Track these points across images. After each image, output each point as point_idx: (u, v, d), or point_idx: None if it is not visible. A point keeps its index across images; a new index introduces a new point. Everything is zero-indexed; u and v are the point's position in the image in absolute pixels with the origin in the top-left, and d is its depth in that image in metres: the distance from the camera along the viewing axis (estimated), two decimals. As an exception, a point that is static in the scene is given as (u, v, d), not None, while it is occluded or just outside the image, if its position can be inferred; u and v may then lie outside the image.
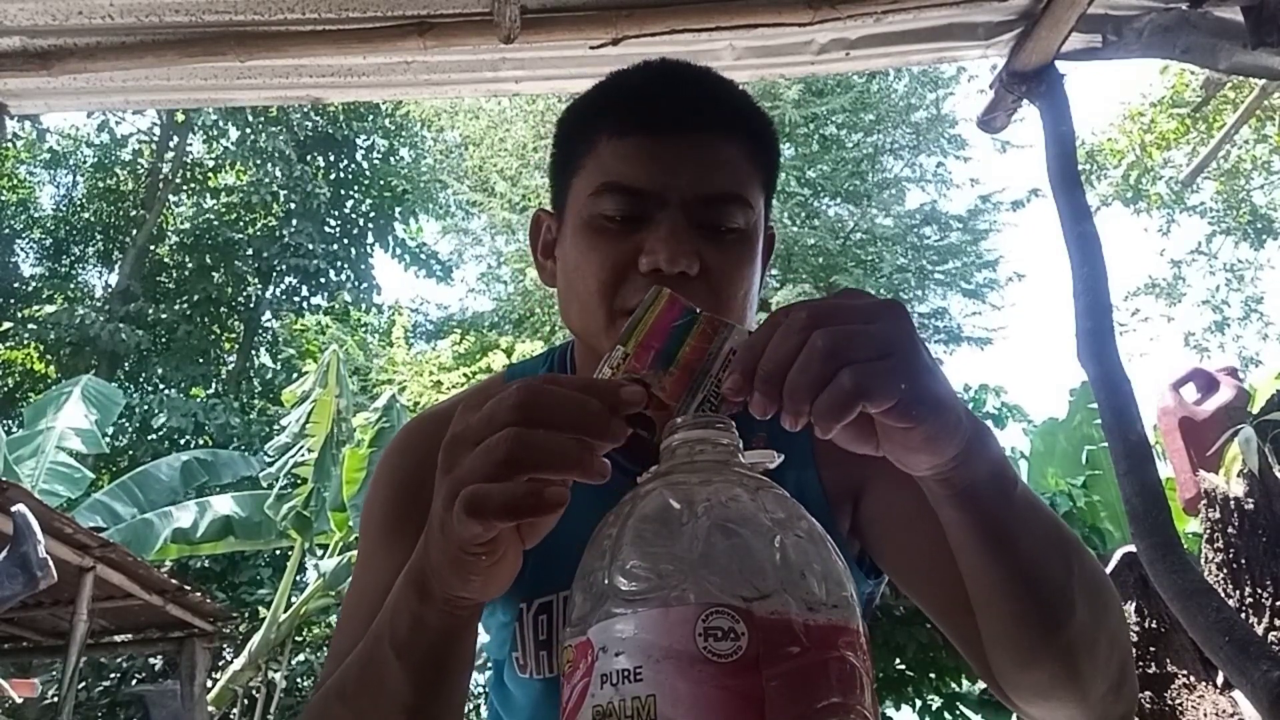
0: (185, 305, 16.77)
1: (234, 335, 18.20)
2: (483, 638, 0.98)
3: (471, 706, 15.15)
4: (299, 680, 12.38)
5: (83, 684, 10.58)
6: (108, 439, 11.22)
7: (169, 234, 18.33)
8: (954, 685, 8.43)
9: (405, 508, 0.90)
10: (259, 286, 17.81)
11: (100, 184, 18.70)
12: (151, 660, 12.07)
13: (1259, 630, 3.20)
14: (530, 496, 0.52)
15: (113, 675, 12.20)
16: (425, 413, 1.03)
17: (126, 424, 14.33)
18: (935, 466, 0.60)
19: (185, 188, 18.71)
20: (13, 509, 4.18)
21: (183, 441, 14.20)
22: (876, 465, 0.86)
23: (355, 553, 1.33)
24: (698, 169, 0.83)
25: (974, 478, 0.62)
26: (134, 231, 17.81)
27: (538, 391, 0.54)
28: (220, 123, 17.36)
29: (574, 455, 0.52)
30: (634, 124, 0.85)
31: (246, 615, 11.65)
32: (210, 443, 13.63)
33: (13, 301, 17.16)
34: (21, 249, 18.68)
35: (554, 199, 0.94)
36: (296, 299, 17.90)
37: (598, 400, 0.54)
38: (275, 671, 10.60)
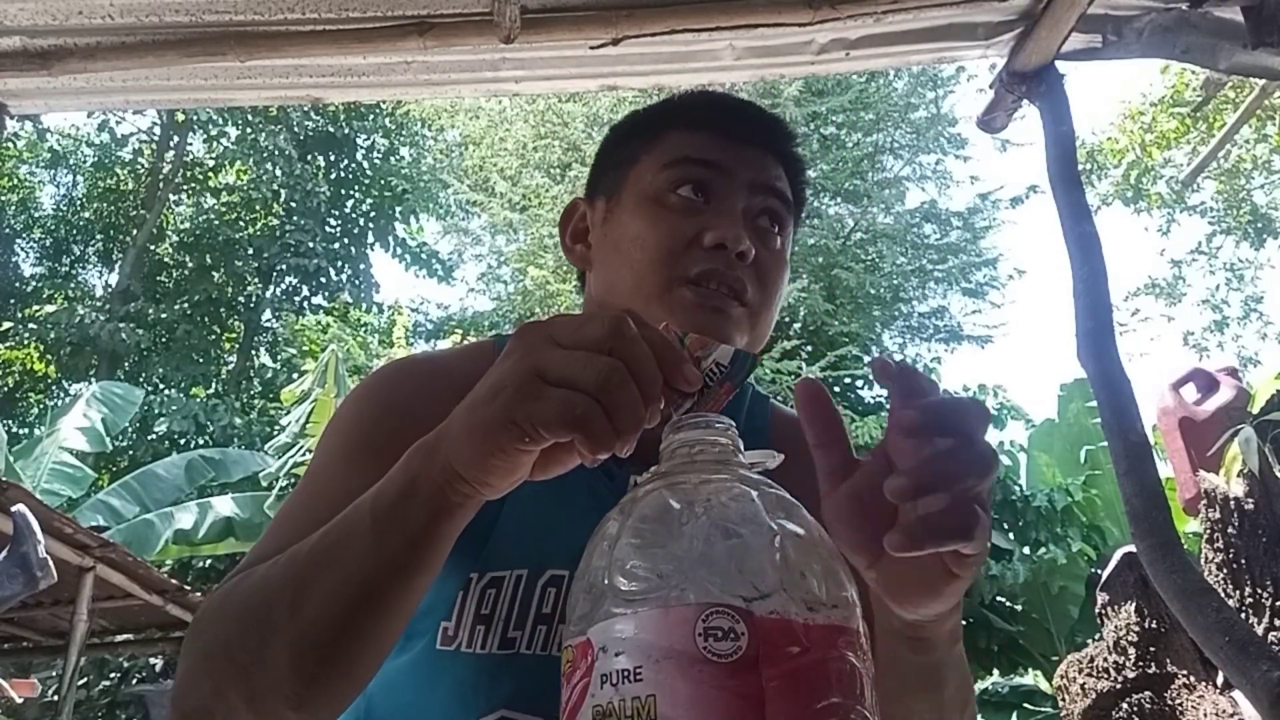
0: (185, 305, 16.76)
1: (234, 335, 18.20)
2: None
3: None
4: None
5: (83, 684, 10.58)
6: (111, 439, 11.23)
7: (169, 233, 18.33)
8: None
9: (386, 434, 0.84)
10: (259, 286, 17.82)
11: (100, 184, 18.70)
12: (151, 660, 12.07)
13: (1259, 630, 3.20)
14: (620, 423, 0.51)
15: (113, 675, 12.20)
16: (418, 358, 1.01)
17: (127, 424, 14.33)
18: (930, 615, 0.58)
19: (185, 187, 18.71)
20: (13, 509, 4.18)
21: (183, 441, 14.19)
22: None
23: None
24: (762, 165, 0.93)
25: (946, 628, 0.62)
26: (134, 231, 17.81)
27: (637, 340, 0.53)
28: (220, 122, 17.36)
29: (641, 415, 0.52)
30: (706, 120, 0.94)
31: (247, 615, 11.64)
32: (211, 442, 13.63)
33: (13, 301, 17.17)
34: (22, 249, 18.70)
35: (602, 187, 0.99)
36: (297, 299, 17.90)
37: (675, 368, 0.54)
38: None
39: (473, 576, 0.87)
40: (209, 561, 12.14)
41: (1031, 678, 11.30)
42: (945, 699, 0.68)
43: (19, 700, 7.39)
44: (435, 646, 0.86)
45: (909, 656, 0.64)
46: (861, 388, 12.69)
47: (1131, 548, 3.11)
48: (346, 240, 18.22)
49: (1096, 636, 3.87)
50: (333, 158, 18.23)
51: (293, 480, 8.95)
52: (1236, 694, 3.21)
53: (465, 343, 1.08)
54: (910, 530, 0.50)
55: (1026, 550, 9.81)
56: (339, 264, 18.02)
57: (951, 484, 0.50)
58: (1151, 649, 3.50)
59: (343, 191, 18.27)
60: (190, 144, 18.55)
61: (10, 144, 16.94)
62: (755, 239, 0.89)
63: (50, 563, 4.10)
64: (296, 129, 17.06)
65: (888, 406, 0.56)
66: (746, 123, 0.95)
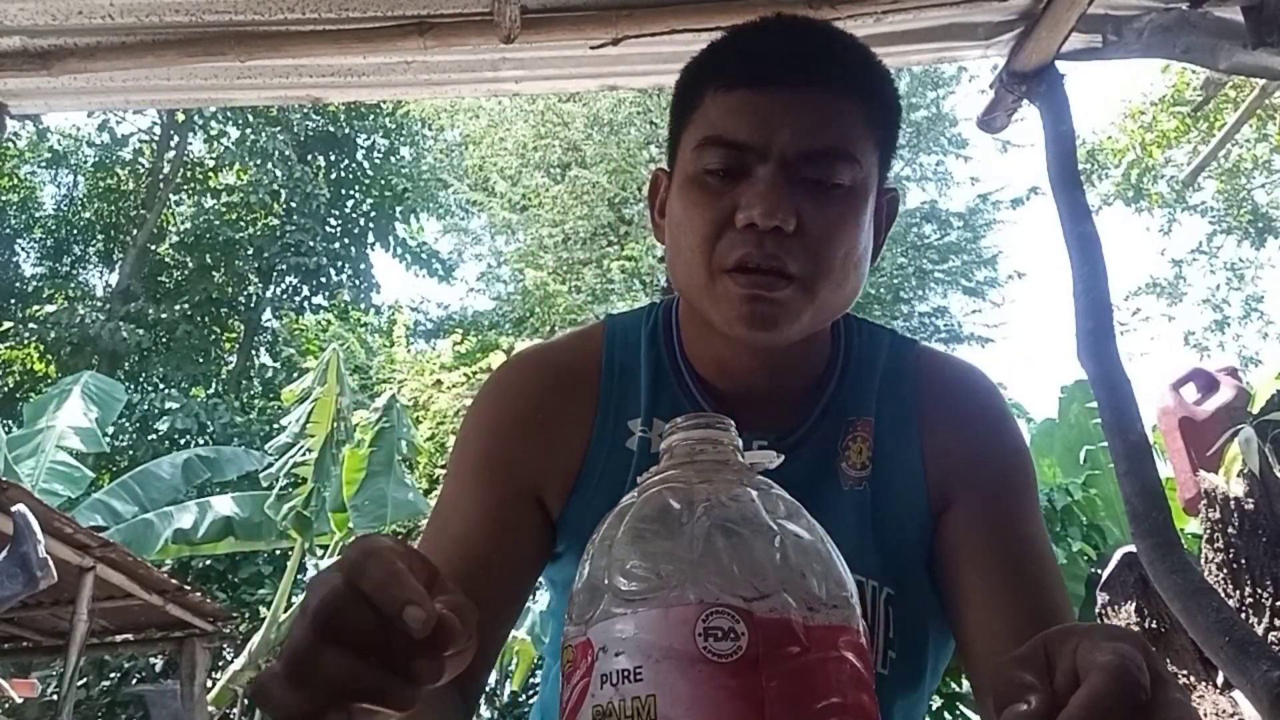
0: (186, 305, 16.75)
1: (234, 335, 18.20)
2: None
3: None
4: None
5: (83, 684, 10.58)
6: (108, 438, 11.21)
7: (169, 233, 18.32)
8: (954, 685, 8.43)
9: (493, 451, 0.92)
10: (259, 286, 17.81)
11: (101, 183, 18.69)
12: (151, 660, 12.07)
13: (1259, 630, 3.20)
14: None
15: (113, 675, 12.20)
16: (528, 356, 1.01)
17: (126, 423, 14.32)
18: None
19: (186, 187, 18.71)
20: (13, 509, 4.18)
21: (183, 441, 14.19)
22: (966, 486, 0.89)
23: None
24: (801, 123, 0.81)
25: None
26: (134, 231, 17.80)
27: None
28: (220, 122, 17.36)
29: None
30: (740, 78, 0.83)
31: (246, 615, 11.64)
32: (211, 442, 13.62)
33: (13, 301, 17.16)
34: (22, 249, 18.69)
35: (668, 157, 0.94)
36: (297, 298, 17.89)
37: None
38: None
39: None
40: (209, 561, 12.14)
41: (1032, 678, 11.27)
42: None
43: (19, 700, 7.40)
44: None
45: None
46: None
47: (1131, 548, 3.11)
48: (346, 240, 18.21)
49: (1096, 636, 3.86)
50: (333, 158, 18.23)
51: (293, 479, 8.95)
52: (1236, 694, 3.21)
53: (576, 329, 1.06)
54: None
55: (1027, 550, 9.78)
56: (339, 264, 18.02)
57: None
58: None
59: (343, 191, 18.27)
60: (190, 144, 18.55)
61: (10, 144, 16.94)
62: (804, 196, 0.80)
63: (50, 563, 4.10)
64: (296, 129, 17.05)
65: None
66: (787, 69, 0.83)
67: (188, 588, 7.26)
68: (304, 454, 8.87)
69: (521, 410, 0.93)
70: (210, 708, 8.83)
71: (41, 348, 16.08)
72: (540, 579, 0.97)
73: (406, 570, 0.48)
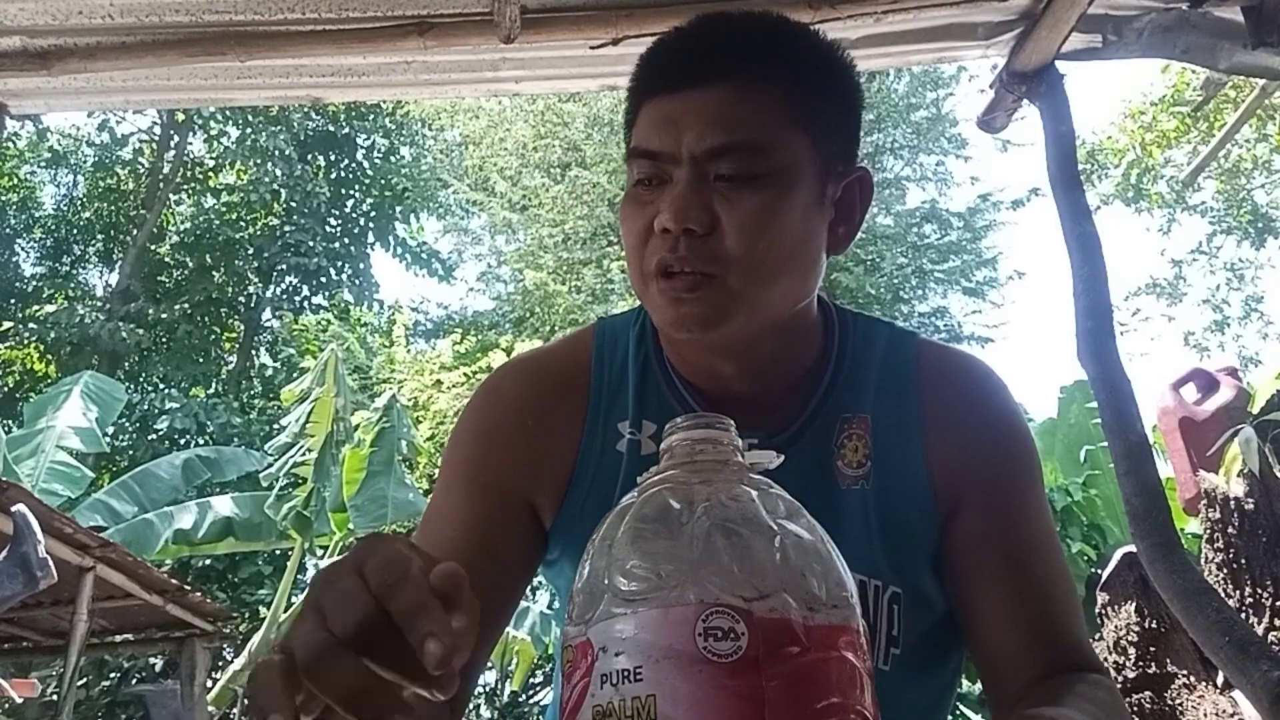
0: (186, 304, 16.75)
1: (234, 334, 18.20)
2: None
3: (471, 706, 15.14)
4: (299, 680, 12.35)
5: (83, 684, 10.58)
6: (108, 438, 11.21)
7: (169, 233, 18.32)
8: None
9: (484, 459, 0.93)
10: (259, 286, 17.81)
11: (101, 183, 18.69)
12: (151, 660, 12.07)
13: (1259, 630, 3.20)
14: None
15: (113, 675, 12.20)
16: (523, 361, 1.02)
17: (126, 423, 14.33)
18: None
19: (185, 187, 18.70)
20: (13, 509, 4.17)
21: (183, 441, 14.19)
22: (972, 486, 0.88)
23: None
24: (704, 123, 0.80)
25: None
26: (134, 231, 17.80)
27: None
28: (220, 121, 17.36)
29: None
30: (655, 86, 0.85)
31: (246, 615, 11.65)
32: (211, 442, 13.62)
33: (13, 301, 17.15)
34: (22, 248, 18.68)
35: None
36: (297, 298, 17.89)
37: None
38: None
39: None
40: (209, 561, 12.14)
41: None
42: None
43: (19, 700, 7.40)
44: None
45: None
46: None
47: (1131, 548, 3.11)
48: (346, 240, 18.21)
49: (1096, 636, 3.87)
50: (333, 158, 18.22)
51: (292, 479, 8.95)
52: (1236, 694, 3.21)
53: (568, 333, 1.07)
54: None
55: (1026, 550, 9.78)
56: (339, 263, 18.01)
57: None
58: (1151, 649, 3.50)
59: (343, 191, 18.26)
60: (190, 144, 18.55)
61: (10, 144, 16.93)
62: (720, 198, 0.80)
63: (50, 563, 4.10)
64: (296, 129, 17.04)
65: None
66: (689, 69, 0.82)
67: (188, 588, 7.26)
68: (304, 454, 8.86)
69: (512, 418, 0.93)
70: (210, 708, 8.83)
71: (41, 348, 16.08)
72: (543, 581, 0.97)
73: (436, 602, 0.47)
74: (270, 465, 9.08)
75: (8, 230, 18.01)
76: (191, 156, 18.68)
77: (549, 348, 1.05)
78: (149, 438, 14.54)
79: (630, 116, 0.88)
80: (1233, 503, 3.46)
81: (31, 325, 16.03)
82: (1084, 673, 0.79)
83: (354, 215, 18.45)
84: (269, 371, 16.98)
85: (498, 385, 0.99)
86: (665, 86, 0.83)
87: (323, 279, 17.78)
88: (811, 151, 0.84)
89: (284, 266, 17.33)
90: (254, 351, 17.98)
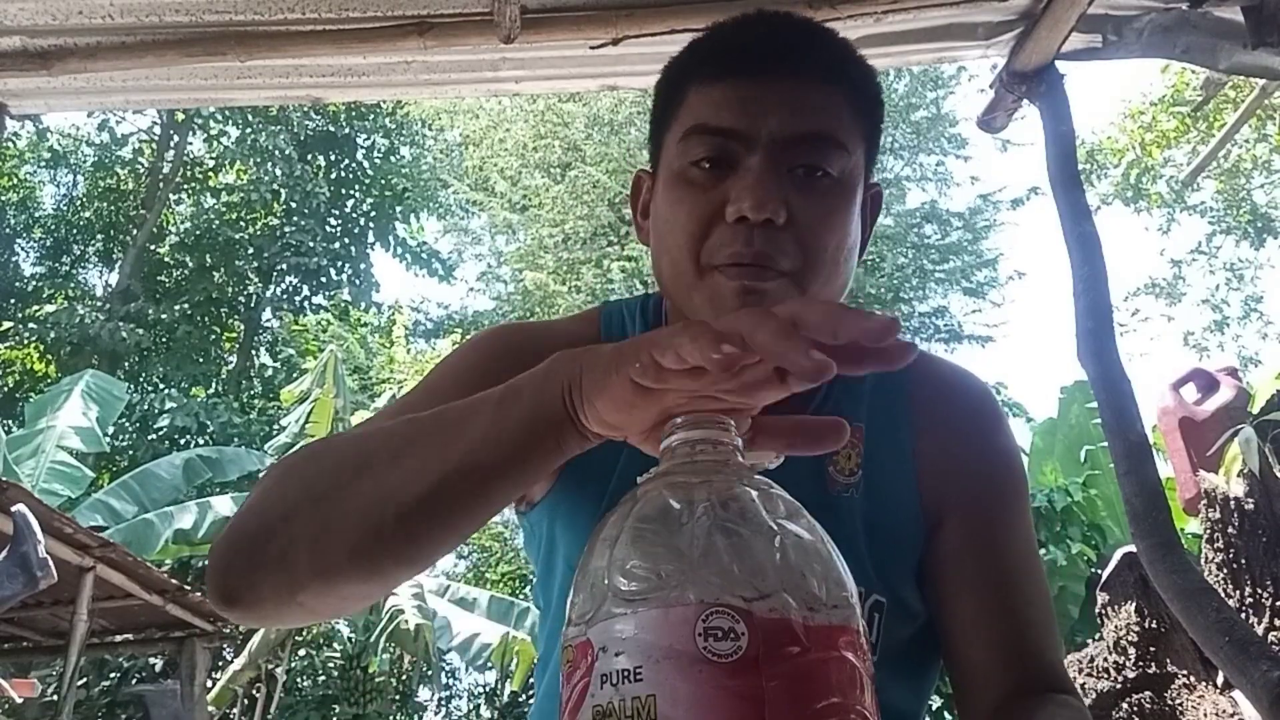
0: (186, 304, 16.76)
1: (234, 334, 18.21)
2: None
3: (471, 707, 15.12)
4: (299, 679, 12.39)
5: (83, 684, 10.58)
6: (108, 438, 11.21)
7: (169, 233, 18.34)
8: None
9: (477, 370, 0.85)
10: (259, 285, 17.82)
11: (100, 183, 18.70)
12: (151, 660, 12.08)
13: (1259, 630, 3.20)
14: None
15: (113, 675, 12.21)
16: (525, 324, 0.99)
17: (127, 423, 14.33)
18: None
19: (185, 187, 18.72)
20: (13, 509, 4.18)
21: (183, 441, 14.20)
22: (958, 499, 0.88)
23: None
24: (789, 109, 0.79)
25: None
26: (134, 231, 17.81)
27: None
28: (220, 121, 17.36)
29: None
30: (724, 69, 0.82)
31: (246, 615, 11.62)
32: (211, 442, 13.62)
33: (13, 301, 17.17)
34: (22, 248, 18.70)
35: (651, 158, 0.92)
36: (297, 298, 17.91)
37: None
38: (276, 667, 10.60)
39: None
40: (208, 561, 12.13)
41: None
42: None
43: (19, 700, 7.40)
44: None
45: None
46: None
47: (1131, 548, 3.11)
48: (346, 240, 18.22)
49: (1097, 636, 3.87)
50: (333, 158, 18.23)
51: (292, 480, 8.93)
52: (1236, 694, 3.21)
53: (574, 313, 1.04)
54: None
55: (1026, 550, 9.79)
56: (339, 263, 18.02)
57: None
58: (1151, 649, 3.50)
59: (343, 191, 18.27)
60: (190, 144, 18.55)
61: (10, 144, 16.94)
62: (792, 187, 0.78)
63: (50, 563, 4.10)
64: (296, 129, 17.06)
65: None
66: (771, 58, 0.81)
67: (188, 588, 7.26)
68: (304, 454, 8.85)
69: (512, 370, 0.89)
70: (210, 708, 8.83)
71: (41, 348, 16.09)
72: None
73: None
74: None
75: (8, 230, 18.02)
76: (191, 156, 18.69)
77: (554, 322, 1.03)
78: (149, 437, 14.55)
79: (673, 99, 0.85)
80: (1233, 503, 3.46)
81: (31, 325, 16.05)
82: (1056, 694, 0.79)
83: (354, 215, 18.46)
84: (269, 371, 16.99)
85: (501, 333, 0.95)
86: (738, 70, 0.81)
87: (323, 279, 17.79)
88: (864, 161, 0.85)
89: (284, 266, 17.34)
90: (254, 351, 17.99)
